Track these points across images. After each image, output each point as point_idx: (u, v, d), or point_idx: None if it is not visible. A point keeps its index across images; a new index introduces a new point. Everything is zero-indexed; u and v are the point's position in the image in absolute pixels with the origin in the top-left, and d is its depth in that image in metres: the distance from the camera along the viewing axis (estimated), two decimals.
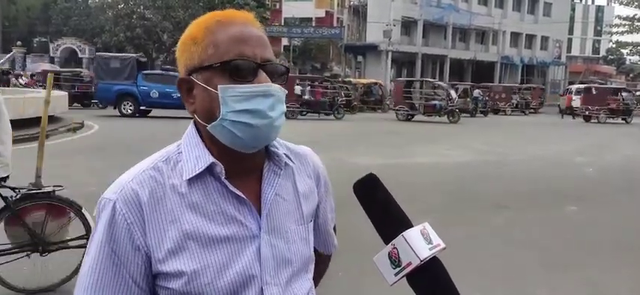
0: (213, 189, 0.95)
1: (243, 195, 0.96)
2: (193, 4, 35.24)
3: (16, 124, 11.95)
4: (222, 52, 0.93)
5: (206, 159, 0.95)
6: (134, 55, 23.41)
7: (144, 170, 0.95)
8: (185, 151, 0.97)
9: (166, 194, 0.94)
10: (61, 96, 17.45)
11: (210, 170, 0.95)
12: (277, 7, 46.47)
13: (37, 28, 44.65)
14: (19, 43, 40.36)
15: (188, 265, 0.92)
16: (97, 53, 24.39)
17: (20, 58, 39.47)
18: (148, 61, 37.54)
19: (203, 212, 0.94)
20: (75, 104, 22.39)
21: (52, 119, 15.05)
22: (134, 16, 36.29)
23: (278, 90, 0.95)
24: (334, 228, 1.24)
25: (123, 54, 24.28)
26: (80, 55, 40.01)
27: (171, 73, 21.36)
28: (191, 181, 0.94)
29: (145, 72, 21.76)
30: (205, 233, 0.93)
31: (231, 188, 0.95)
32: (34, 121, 13.40)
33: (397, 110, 24.55)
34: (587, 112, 26.79)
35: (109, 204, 0.92)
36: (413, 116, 24.19)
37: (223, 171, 0.95)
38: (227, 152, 0.96)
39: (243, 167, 0.98)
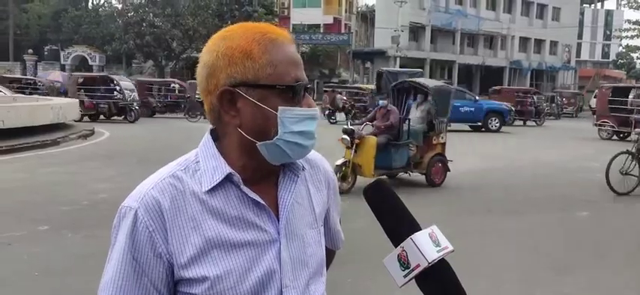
0: (233, 196, 0.98)
1: (262, 201, 0.98)
2: (202, 12, 35.45)
3: (27, 132, 12.14)
4: (281, 73, 0.95)
5: (223, 169, 0.97)
6: (418, 69, 23.26)
7: (164, 178, 0.97)
8: (202, 161, 0.99)
9: (187, 201, 0.95)
10: (71, 103, 17.60)
11: (228, 179, 0.97)
12: (286, 14, 46.62)
13: (48, 36, 45.05)
14: (30, 50, 40.80)
15: (211, 270, 0.93)
16: (383, 68, 23.20)
17: (31, 65, 39.88)
18: (157, 68, 37.88)
19: (224, 218, 0.96)
20: (167, 113, 23.58)
21: (64, 126, 15.20)
22: (144, 24, 36.54)
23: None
24: (340, 222, 1.27)
25: (408, 68, 23.91)
26: (90, 63, 40.36)
27: (452, 86, 22.02)
28: (211, 190, 0.96)
29: None
30: (227, 238, 0.95)
31: (251, 195, 0.98)
32: (45, 129, 13.57)
33: (599, 125, 18.82)
34: None
35: (131, 212, 0.93)
36: (627, 135, 17.03)
37: (240, 180, 0.97)
38: (256, 163, 0.98)
39: (262, 175, 1.01)
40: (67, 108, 16.02)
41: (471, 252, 4.93)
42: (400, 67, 39.44)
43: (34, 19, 45.72)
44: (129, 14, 38.66)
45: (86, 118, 19.86)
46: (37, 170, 9.42)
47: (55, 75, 31.23)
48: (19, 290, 4.12)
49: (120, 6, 42.44)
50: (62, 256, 4.87)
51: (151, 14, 37.56)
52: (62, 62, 40.55)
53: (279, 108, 0.95)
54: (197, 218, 0.95)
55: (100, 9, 46.21)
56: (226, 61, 0.95)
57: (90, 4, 47.28)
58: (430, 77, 43.22)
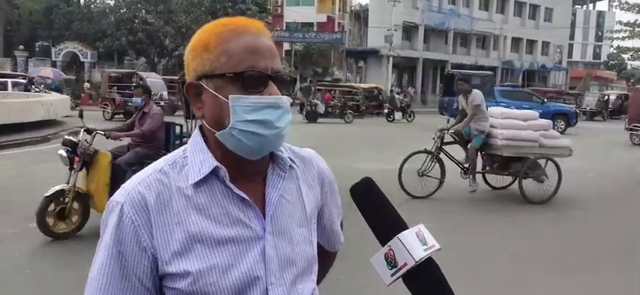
0: (219, 192, 0.98)
1: (247, 197, 0.98)
2: (195, 9, 35.29)
3: (17, 128, 12.04)
4: (235, 62, 0.95)
5: (209, 163, 0.97)
6: (490, 72, 23.96)
7: (150, 174, 0.98)
8: (190, 156, 1.00)
9: (173, 196, 0.96)
10: (62, 100, 17.51)
11: (215, 173, 0.98)
12: (279, 11, 46.53)
13: (39, 32, 44.65)
14: (21, 47, 40.44)
15: (194, 265, 0.94)
16: (455, 70, 23.77)
17: (22, 61, 39.54)
18: (149, 65, 37.71)
19: (208, 214, 0.96)
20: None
21: (54, 123, 15.11)
22: (136, 21, 36.35)
23: (286, 101, 0.99)
24: (341, 224, 1.26)
25: (481, 71, 24.34)
26: (82, 59, 40.05)
27: (520, 88, 23.16)
28: (197, 184, 0.97)
29: (500, 88, 23.03)
30: (211, 234, 0.96)
31: (236, 190, 0.98)
32: (35, 125, 13.48)
33: (632, 130, 17.16)
34: None
35: (117, 206, 0.95)
36: None
37: (227, 175, 0.97)
38: (233, 156, 0.98)
39: (248, 170, 1.01)
40: (57, 104, 15.93)
41: (463, 251, 4.95)
42: (392, 67, 39.64)
43: (26, 14, 45.32)
44: (121, 11, 38.40)
45: (120, 116, 19.49)
46: (27, 167, 9.35)
47: (46, 72, 30.98)
48: (10, 288, 4.10)
49: (112, 2, 42.17)
50: (53, 254, 4.85)
51: (143, 11, 37.35)
52: (53, 58, 40.17)
53: (230, 96, 0.95)
54: (181, 213, 0.95)
55: (92, 5, 45.85)
56: (191, 56, 1.00)
57: (82, 0, 46.94)
58: (423, 77, 43.52)
